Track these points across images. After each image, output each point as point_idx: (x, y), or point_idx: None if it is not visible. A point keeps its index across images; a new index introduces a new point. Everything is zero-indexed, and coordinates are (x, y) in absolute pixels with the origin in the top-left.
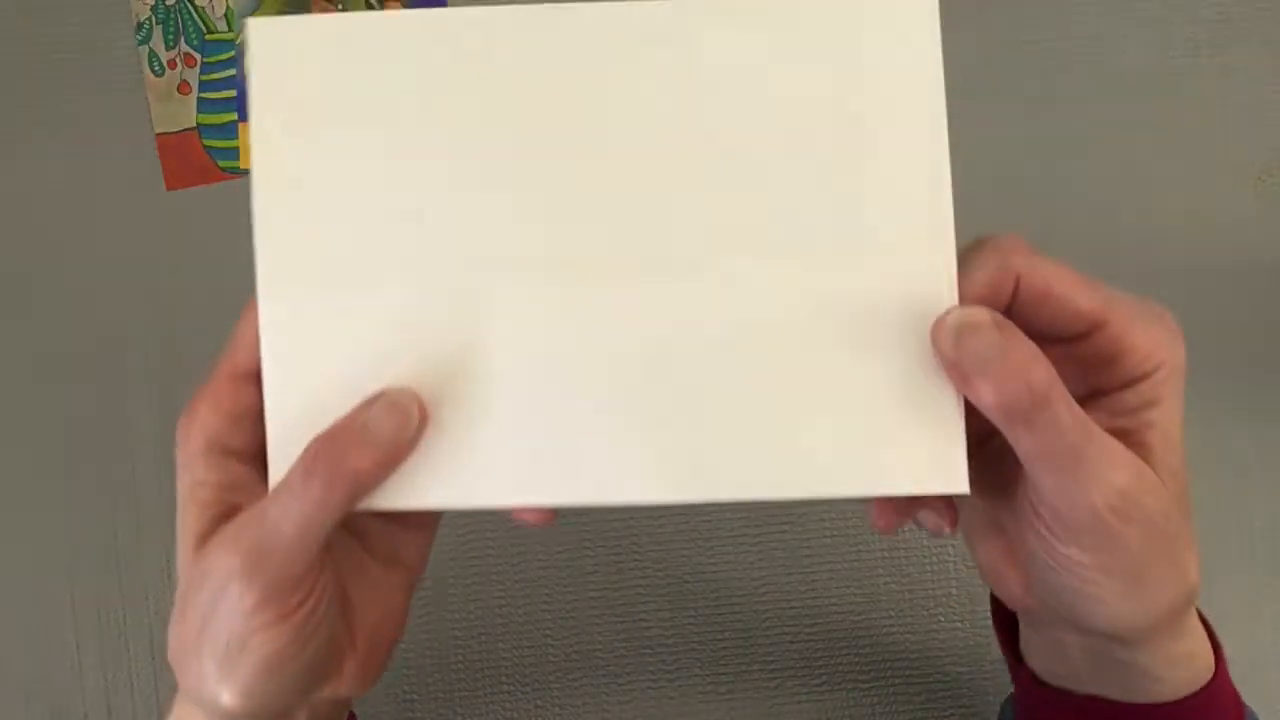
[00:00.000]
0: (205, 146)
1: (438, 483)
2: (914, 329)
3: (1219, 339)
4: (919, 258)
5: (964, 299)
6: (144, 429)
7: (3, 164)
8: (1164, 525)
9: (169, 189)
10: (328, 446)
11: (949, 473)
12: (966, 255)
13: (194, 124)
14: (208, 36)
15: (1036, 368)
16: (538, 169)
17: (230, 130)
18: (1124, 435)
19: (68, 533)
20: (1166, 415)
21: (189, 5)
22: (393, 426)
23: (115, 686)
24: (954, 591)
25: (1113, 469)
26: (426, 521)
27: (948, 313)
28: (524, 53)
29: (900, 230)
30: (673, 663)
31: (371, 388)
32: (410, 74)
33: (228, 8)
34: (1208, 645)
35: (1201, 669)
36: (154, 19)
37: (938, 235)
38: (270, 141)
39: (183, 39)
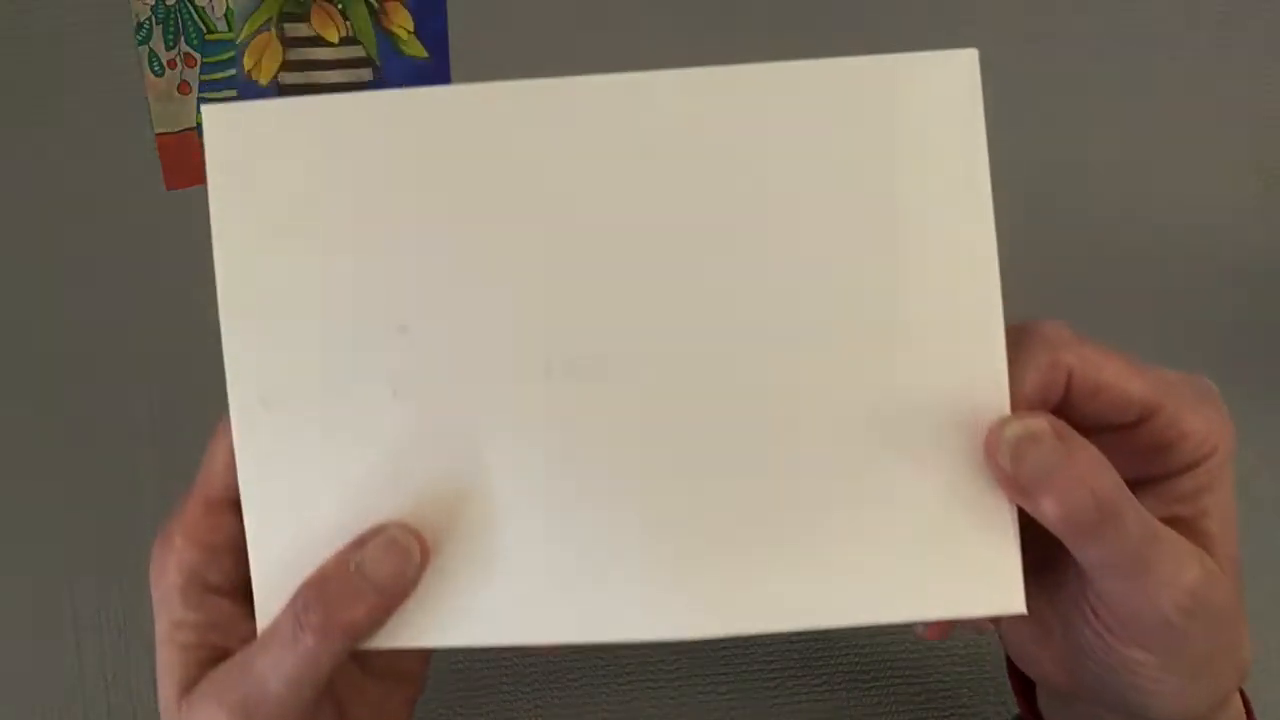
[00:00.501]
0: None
1: (438, 621)
2: (960, 431)
3: (1219, 339)
4: (964, 351)
5: (1016, 402)
6: (144, 429)
7: (2, 164)
8: (1229, 617)
9: (169, 189)
10: (320, 594)
11: (1004, 591)
12: (1013, 352)
13: (194, 124)
14: (208, 36)
15: (1102, 476)
16: (531, 262)
17: None
18: (1181, 523)
19: (68, 533)
20: (1223, 500)
21: (189, 5)
22: (391, 569)
23: (115, 686)
24: None
25: (1181, 570)
26: None
27: (1003, 423)
28: (511, 133)
29: (942, 320)
30: (673, 663)
31: (362, 517)
32: (384, 161)
33: (228, 8)
34: (1243, 711)
35: None
36: (154, 19)
37: (985, 325)
38: (233, 244)
39: (183, 39)
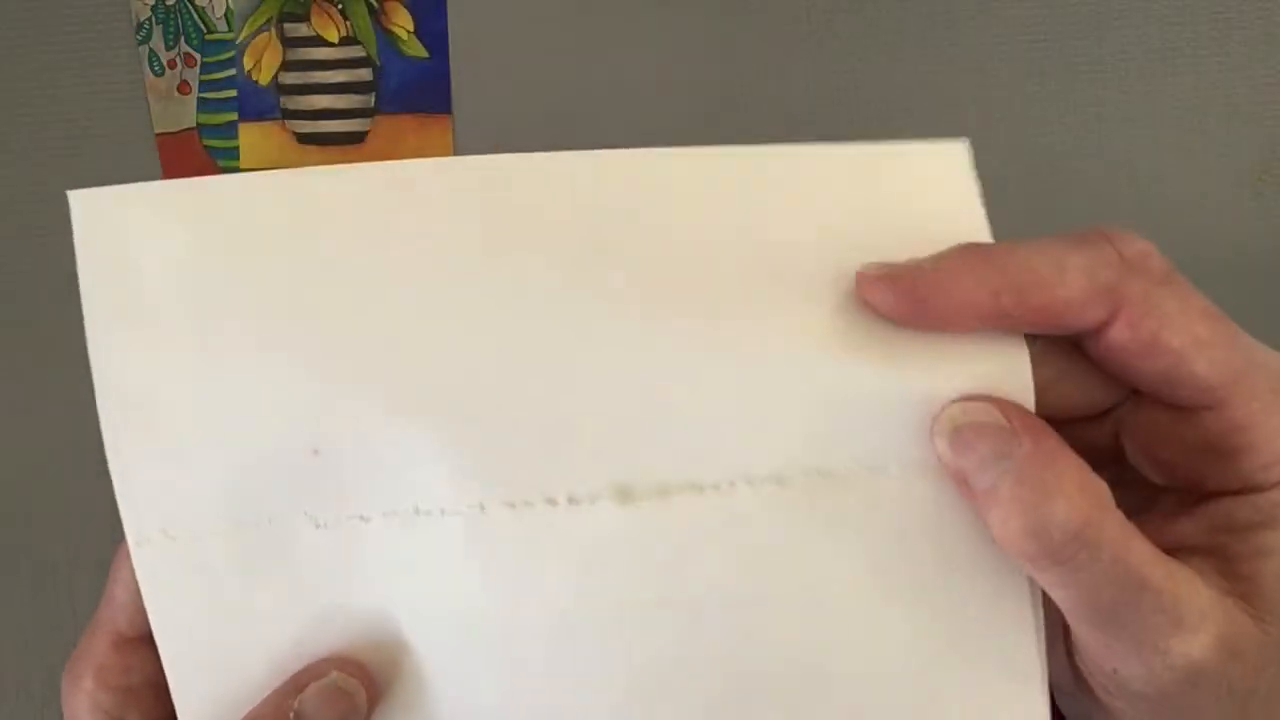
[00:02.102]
0: (205, 146)
1: None
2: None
3: None
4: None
5: (1028, 308)
6: None
7: (2, 164)
8: (1255, 690)
9: None
10: None
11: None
12: (1073, 248)
13: (194, 124)
14: (208, 36)
15: (1065, 496)
16: (457, 371)
17: (230, 130)
18: (1221, 558)
19: (68, 533)
20: None
21: (189, 5)
22: (335, 718)
23: None
24: None
25: (1183, 630)
26: None
27: (945, 406)
28: (432, 217)
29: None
30: None
31: (295, 651)
32: (278, 252)
33: (228, 8)
34: None
35: None
36: (154, 19)
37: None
38: (111, 352)
39: (183, 39)
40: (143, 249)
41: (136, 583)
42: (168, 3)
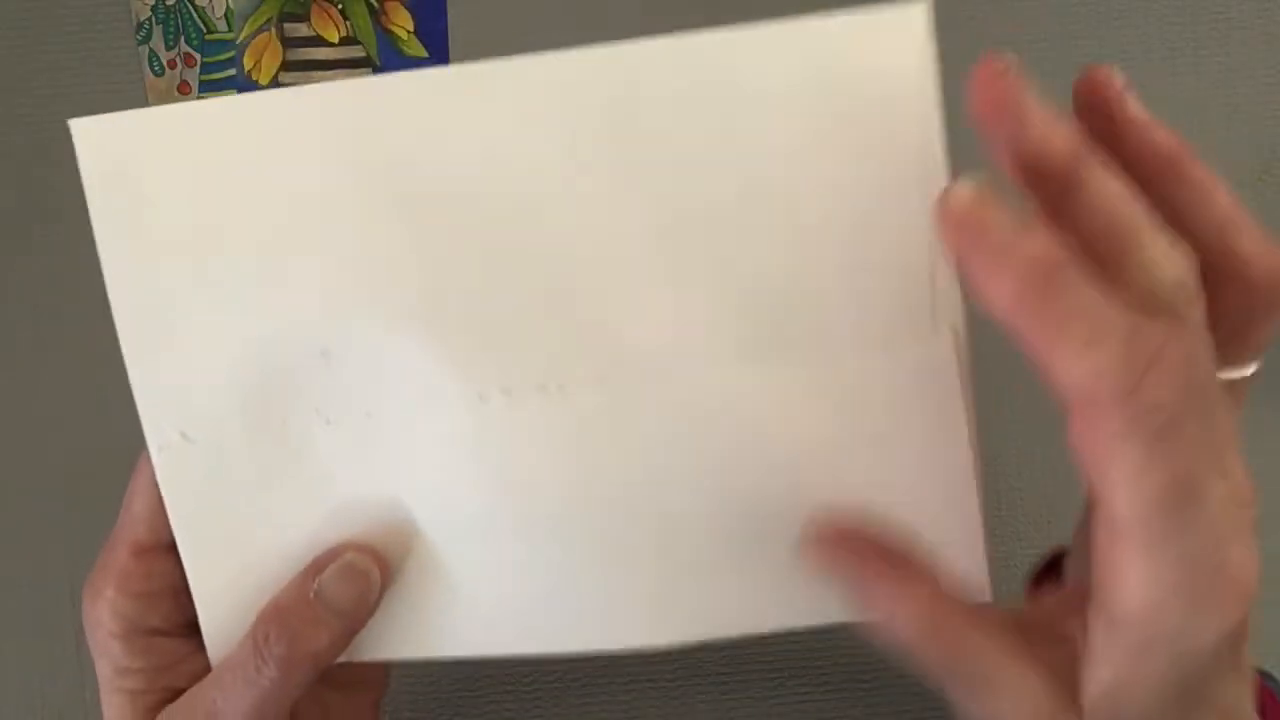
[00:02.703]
0: None
1: (397, 636)
2: (916, 415)
3: None
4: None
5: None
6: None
7: (2, 164)
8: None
9: None
10: (281, 624)
11: (971, 576)
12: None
13: None
14: (208, 36)
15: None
16: (459, 273)
17: None
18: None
19: (68, 534)
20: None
21: (189, 5)
22: (353, 594)
23: None
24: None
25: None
26: None
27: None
28: (428, 126)
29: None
30: (673, 663)
31: (309, 543)
32: (281, 166)
33: (228, 8)
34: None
35: None
36: (154, 19)
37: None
38: (125, 269)
39: (183, 39)
40: (145, 169)
41: (154, 494)
42: (168, 3)
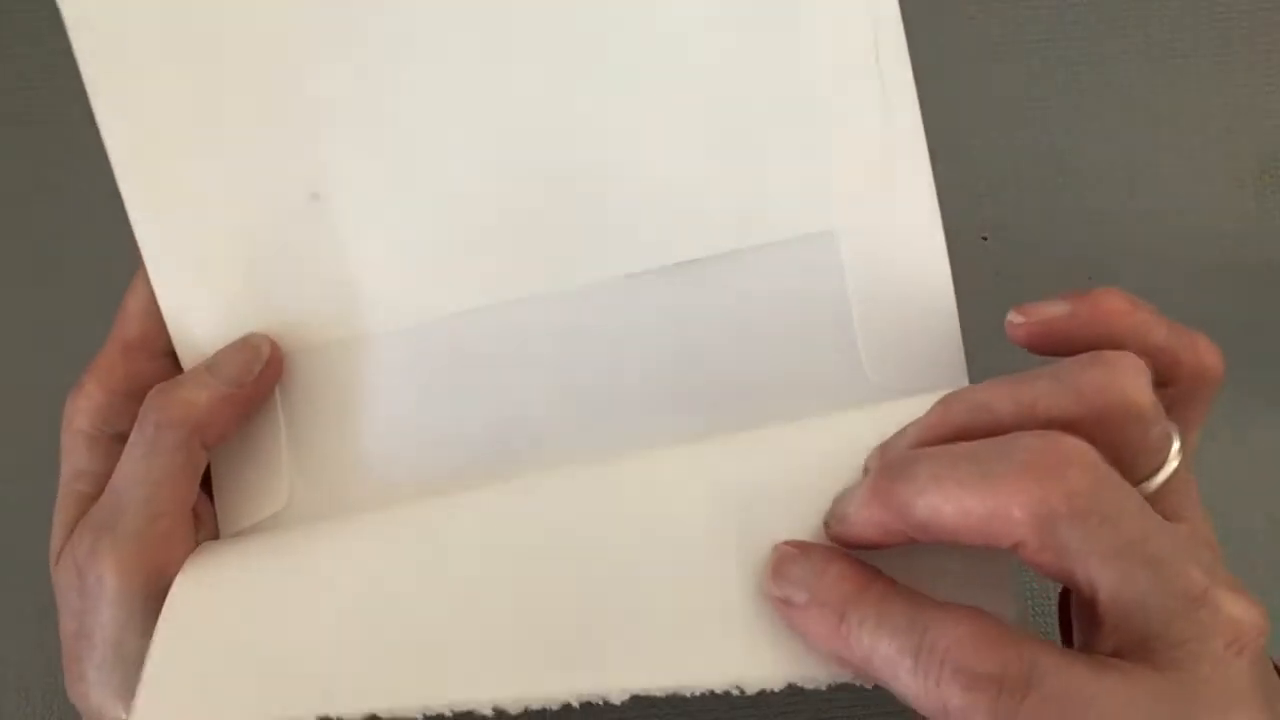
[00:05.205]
0: None
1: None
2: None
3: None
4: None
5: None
6: None
7: (2, 164)
8: None
9: None
10: (161, 391)
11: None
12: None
13: None
14: None
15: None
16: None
17: None
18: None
19: None
20: None
21: None
22: (239, 362)
23: None
24: None
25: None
26: None
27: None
28: None
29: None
30: None
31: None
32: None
33: None
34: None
35: None
36: None
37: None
38: (115, 109)
39: None
40: (127, 15)
41: (149, 294)
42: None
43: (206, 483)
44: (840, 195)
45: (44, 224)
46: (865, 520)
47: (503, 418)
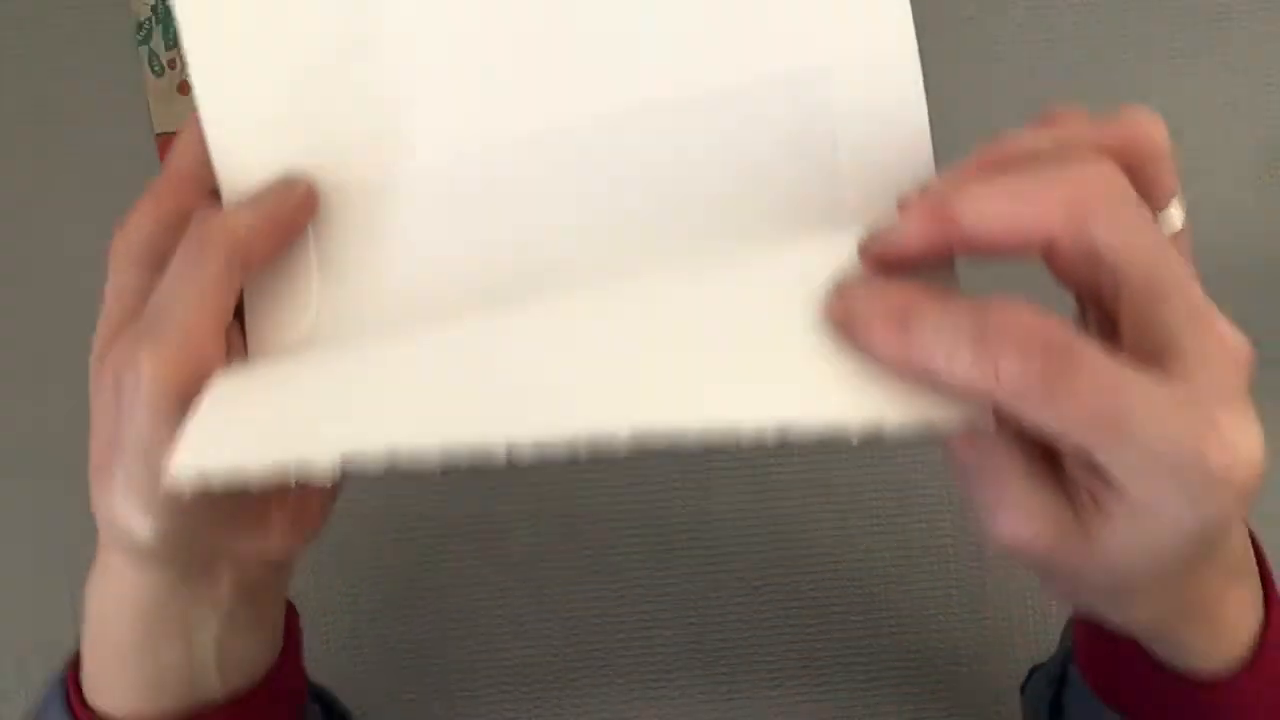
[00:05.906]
0: None
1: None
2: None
3: None
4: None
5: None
6: None
7: (2, 164)
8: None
9: None
10: (205, 216)
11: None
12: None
13: None
14: None
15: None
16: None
17: None
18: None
19: (67, 533)
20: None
21: None
22: (277, 197)
23: None
24: (955, 593)
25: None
26: None
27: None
28: None
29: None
30: (673, 663)
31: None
32: None
33: None
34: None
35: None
36: (154, 19)
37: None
38: None
39: None
40: None
41: (201, 136)
42: (168, 3)
43: (239, 317)
44: (828, 32)
45: None
46: (913, 233)
47: (524, 245)
